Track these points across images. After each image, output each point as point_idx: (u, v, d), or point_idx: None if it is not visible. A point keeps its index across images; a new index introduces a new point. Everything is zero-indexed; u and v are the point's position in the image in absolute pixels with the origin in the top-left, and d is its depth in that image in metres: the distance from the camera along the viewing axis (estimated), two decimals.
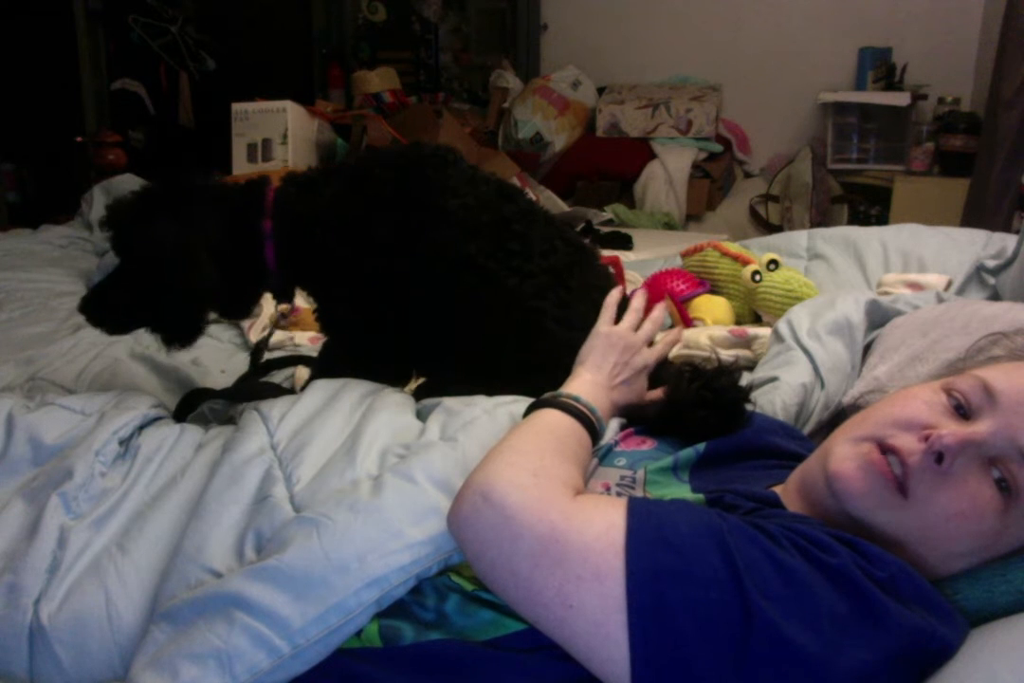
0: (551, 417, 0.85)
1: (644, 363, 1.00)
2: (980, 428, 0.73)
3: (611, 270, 1.32)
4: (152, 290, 1.17)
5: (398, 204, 1.16)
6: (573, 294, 1.16)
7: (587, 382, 0.94)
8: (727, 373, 0.97)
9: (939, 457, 0.71)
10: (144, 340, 1.65)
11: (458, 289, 1.15)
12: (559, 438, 0.81)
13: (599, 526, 0.67)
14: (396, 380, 1.22)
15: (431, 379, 1.24)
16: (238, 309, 1.29)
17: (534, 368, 1.11)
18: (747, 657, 0.61)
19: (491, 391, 1.04)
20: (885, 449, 0.74)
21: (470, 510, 0.71)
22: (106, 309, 1.20)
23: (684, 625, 0.62)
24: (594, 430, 0.87)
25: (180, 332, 1.22)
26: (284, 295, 1.28)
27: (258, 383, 1.39)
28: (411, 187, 1.16)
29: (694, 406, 0.94)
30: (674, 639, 0.62)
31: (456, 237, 1.14)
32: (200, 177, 1.21)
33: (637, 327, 1.03)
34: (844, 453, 0.76)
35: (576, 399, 0.87)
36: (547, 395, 0.90)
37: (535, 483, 0.71)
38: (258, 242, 1.18)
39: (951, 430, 0.72)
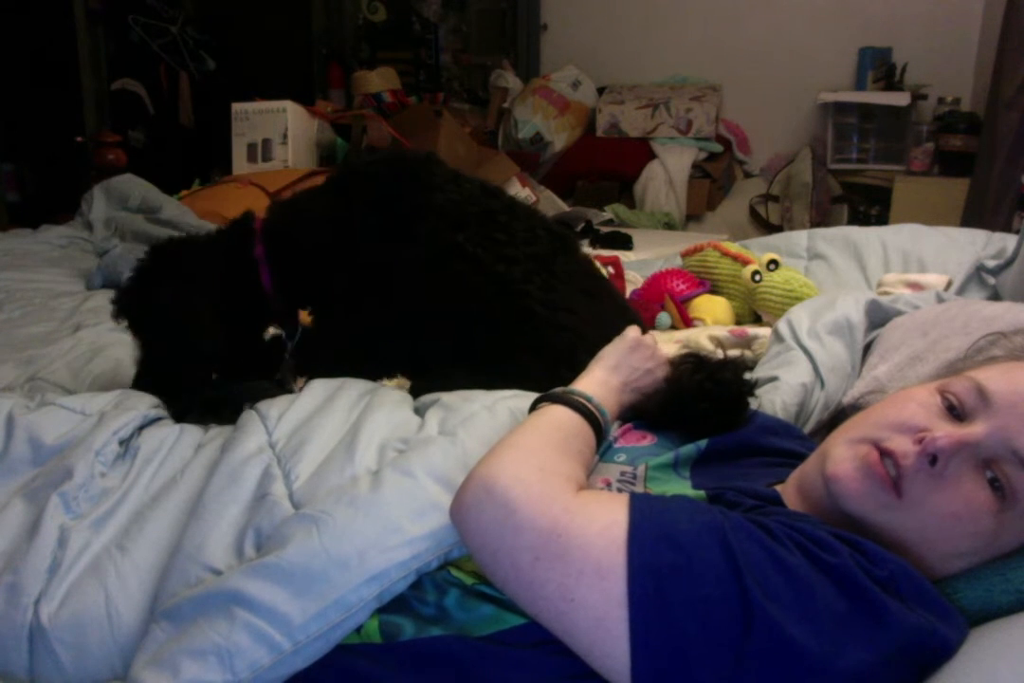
0: (559, 414, 0.85)
1: (664, 375, 1.01)
2: (974, 430, 0.73)
3: (592, 257, 1.35)
4: (163, 357, 1.23)
5: (384, 199, 1.20)
6: (557, 278, 1.19)
7: (599, 381, 0.93)
8: (731, 366, 0.96)
9: (933, 459, 0.72)
10: None
11: (448, 276, 1.17)
12: (565, 436, 0.81)
13: (601, 522, 0.67)
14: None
15: (426, 369, 1.26)
16: (242, 361, 1.32)
17: (521, 348, 1.14)
18: (747, 654, 0.61)
19: (484, 375, 1.05)
20: (881, 451, 0.74)
21: (473, 502, 0.71)
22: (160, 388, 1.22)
23: (685, 621, 0.62)
24: (601, 431, 0.87)
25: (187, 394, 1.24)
26: (287, 321, 1.30)
27: (257, 383, 1.39)
28: (397, 184, 1.20)
29: (696, 398, 0.93)
30: (674, 635, 0.62)
31: (444, 227, 1.17)
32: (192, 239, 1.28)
33: None
34: (841, 455, 0.77)
35: (588, 399, 0.87)
36: (558, 390, 0.89)
37: (539, 478, 0.71)
38: (253, 269, 1.23)
39: (946, 432, 0.72)
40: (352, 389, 1.03)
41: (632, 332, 1.02)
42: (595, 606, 0.64)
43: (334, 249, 1.20)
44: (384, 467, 0.85)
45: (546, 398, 0.88)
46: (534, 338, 1.14)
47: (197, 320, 1.20)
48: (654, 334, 1.09)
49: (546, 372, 0.99)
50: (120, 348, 1.56)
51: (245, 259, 1.22)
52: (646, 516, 0.68)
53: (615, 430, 0.95)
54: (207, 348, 1.22)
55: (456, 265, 1.17)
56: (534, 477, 0.71)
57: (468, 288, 1.17)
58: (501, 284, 1.16)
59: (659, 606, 0.63)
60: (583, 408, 0.86)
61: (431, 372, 1.21)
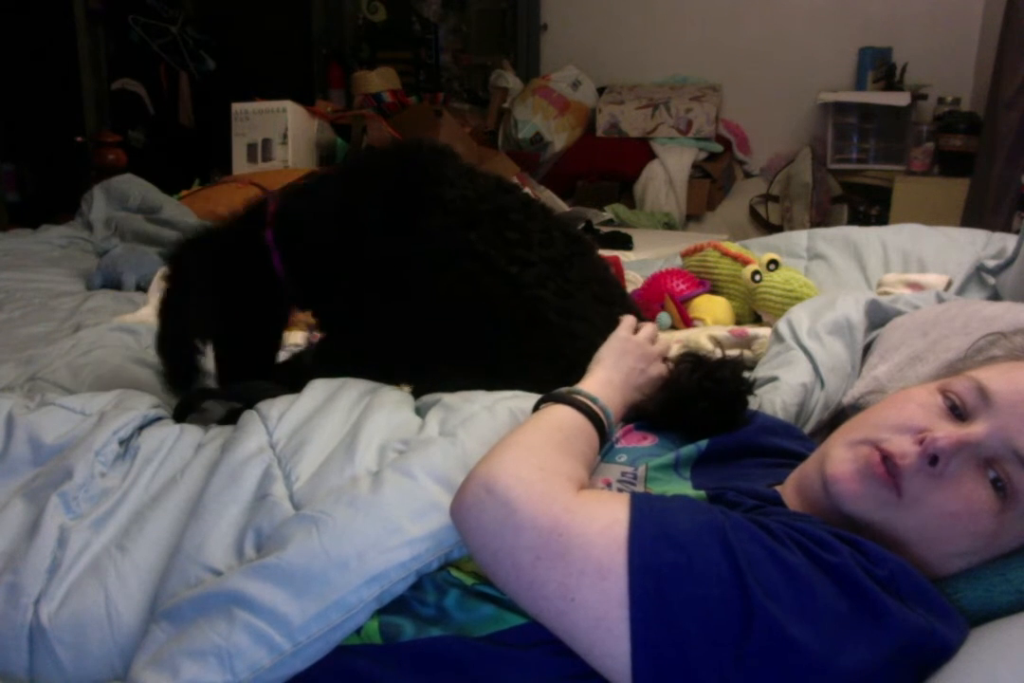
0: (563, 414, 0.85)
1: (659, 374, 1.01)
2: (975, 429, 0.73)
3: (608, 261, 1.33)
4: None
5: (394, 193, 1.17)
6: (572, 284, 1.16)
7: (603, 382, 0.93)
8: (729, 365, 0.96)
9: (933, 459, 0.72)
10: (144, 341, 1.65)
11: (458, 276, 1.15)
12: (568, 436, 0.81)
13: (602, 521, 0.67)
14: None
15: (429, 373, 1.25)
16: (263, 345, 1.31)
17: (532, 356, 1.12)
18: (748, 654, 0.61)
19: (491, 380, 1.05)
20: (881, 453, 0.74)
21: (473, 502, 0.71)
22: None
23: (686, 621, 0.62)
24: (604, 432, 0.86)
25: (174, 367, 1.26)
26: (306, 303, 1.29)
27: (257, 383, 1.39)
28: (408, 177, 1.17)
29: (695, 397, 0.93)
30: (675, 635, 0.62)
31: (454, 224, 1.14)
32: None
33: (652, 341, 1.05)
34: (841, 456, 0.77)
35: (594, 400, 0.87)
36: (562, 390, 0.89)
37: (540, 477, 0.71)
38: (265, 254, 1.20)
39: (946, 432, 0.72)
40: (352, 389, 1.03)
41: (623, 332, 1.02)
42: (595, 606, 0.64)
43: (340, 242, 1.19)
44: (384, 468, 0.85)
45: (549, 398, 0.88)
46: (547, 346, 1.12)
47: (179, 316, 1.23)
48: (660, 335, 1.08)
49: (558, 380, 0.99)
50: (120, 348, 1.56)
51: (257, 244, 1.21)
52: (647, 515, 0.68)
53: (617, 430, 0.95)
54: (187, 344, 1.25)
55: (466, 264, 1.14)
56: (535, 476, 0.71)
57: (478, 289, 1.14)
58: (513, 287, 1.13)
59: (659, 606, 0.63)
60: (586, 408, 0.85)
61: (434, 372, 1.21)
